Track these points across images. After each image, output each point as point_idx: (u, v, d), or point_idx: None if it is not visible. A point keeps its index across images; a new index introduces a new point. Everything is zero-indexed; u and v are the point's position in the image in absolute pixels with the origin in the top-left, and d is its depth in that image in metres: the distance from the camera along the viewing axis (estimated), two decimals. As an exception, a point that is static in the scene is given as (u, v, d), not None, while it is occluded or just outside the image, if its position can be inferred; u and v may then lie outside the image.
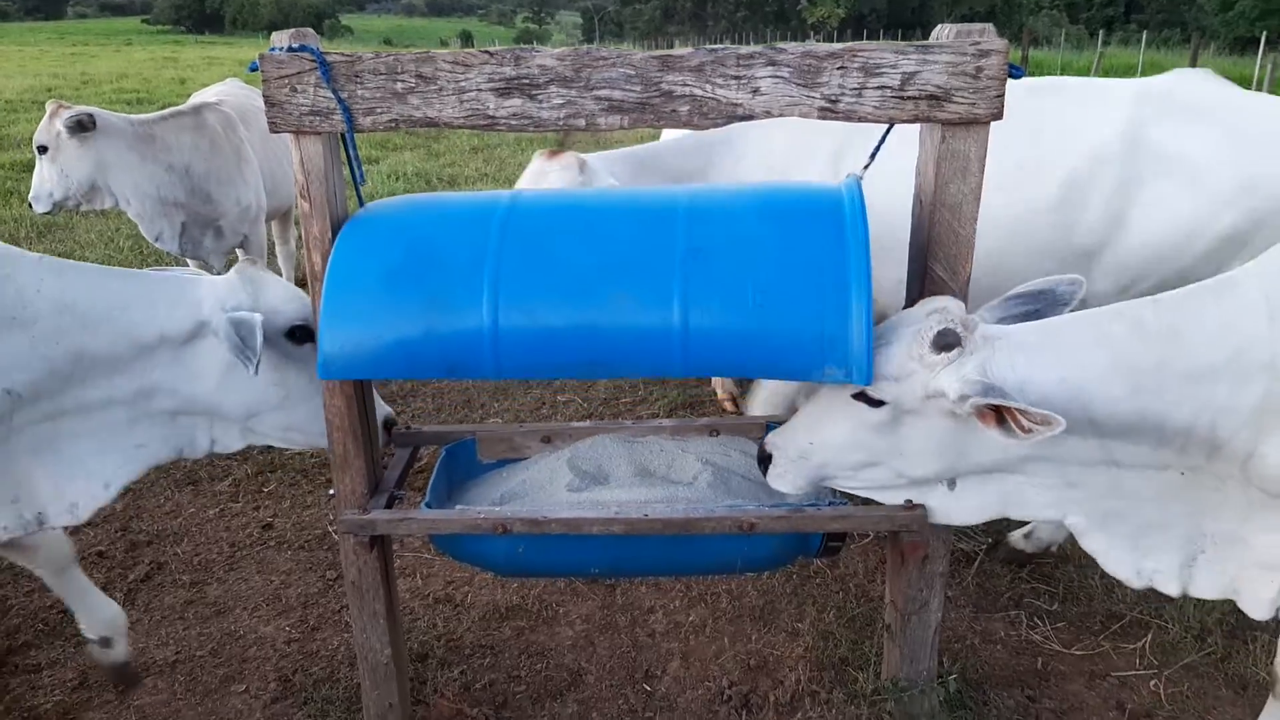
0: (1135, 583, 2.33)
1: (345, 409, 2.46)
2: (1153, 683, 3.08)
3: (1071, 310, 2.25)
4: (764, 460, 2.48)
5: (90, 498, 2.51)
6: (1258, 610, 2.27)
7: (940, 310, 2.18)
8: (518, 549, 2.55)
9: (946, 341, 2.11)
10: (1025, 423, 1.97)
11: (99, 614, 3.03)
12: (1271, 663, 2.49)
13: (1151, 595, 3.46)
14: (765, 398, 3.89)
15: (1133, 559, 2.32)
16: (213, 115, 5.40)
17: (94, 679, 3.15)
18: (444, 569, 3.73)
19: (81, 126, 4.75)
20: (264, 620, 3.47)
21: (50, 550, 2.90)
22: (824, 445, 2.36)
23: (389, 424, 2.82)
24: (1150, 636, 3.27)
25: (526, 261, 2.20)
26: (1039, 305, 2.24)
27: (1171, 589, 2.32)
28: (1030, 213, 3.02)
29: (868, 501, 2.48)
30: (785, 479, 2.44)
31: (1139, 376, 2.06)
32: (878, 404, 2.22)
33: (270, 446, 2.77)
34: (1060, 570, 3.64)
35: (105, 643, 3.06)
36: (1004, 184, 2.87)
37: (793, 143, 3.49)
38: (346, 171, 2.46)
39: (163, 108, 5.54)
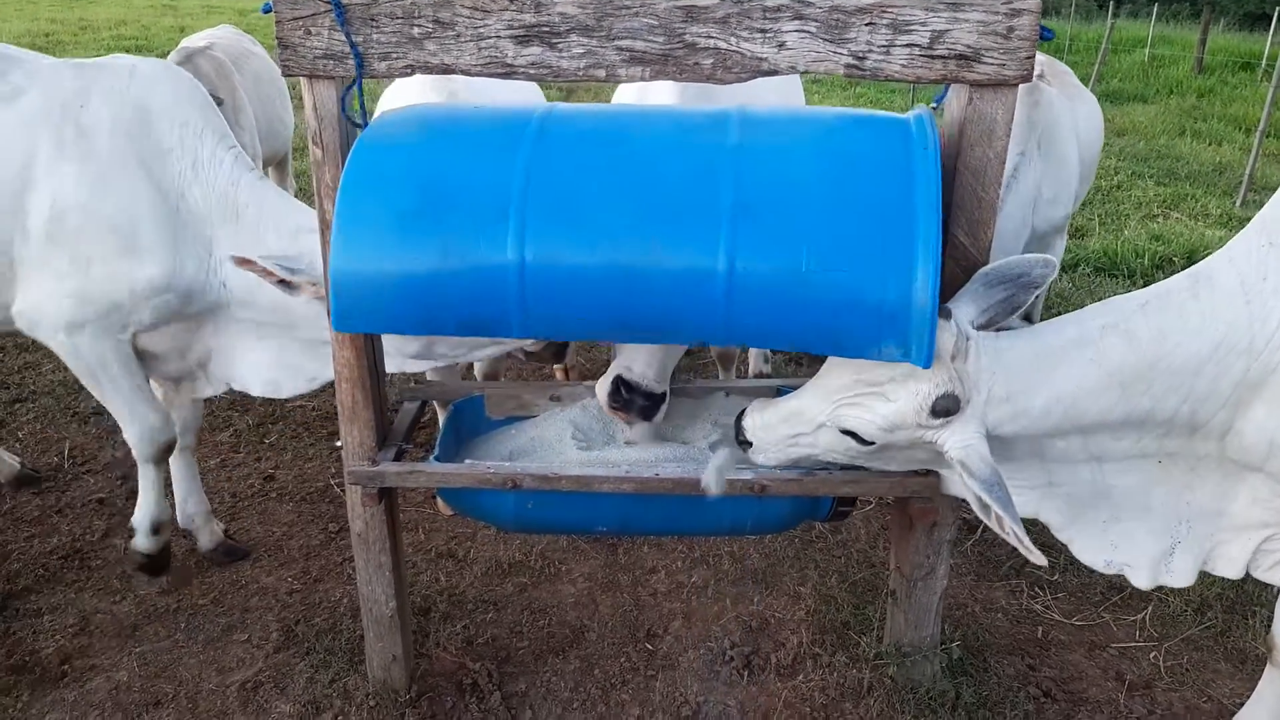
0: (1104, 570, 2.38)
1: (354, 360, 2.43)
2: (1152, 654, 3.10)
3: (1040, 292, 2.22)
4: (738, 435, 2.42)
5: (293, 384, 2.99)
6: (1230, 569, 2.33)
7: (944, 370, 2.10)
8: (526, 505, 2.54)
9: (946, 408, 2.10)
10: (1008, 525, 1.98)
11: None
12: (1270, 635, 2.50)
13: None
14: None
15: (1101, 548, 2.36)
16: (204, 62, 5.22)
17: (95, 625, 3.15)
18: (447, 524, 3.73)
19: None
20: (265, 570, 3.47)
21: (186, 421, 3.37)
22: (809, 445, 2.32)
23: None
24: (1150, 609, 3.29)
25: (555, 212, 2.01)
26: (1014, 289, 2.18)
27: (1141, 581, 2.35)
28: None
29: None
30: (766, 458, 2.39)
31: (1130, 384, 2.12)
32: (867, 442, 2.22)
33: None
34: (1062, 541, 3.65)
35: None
36: None
37: None
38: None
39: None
